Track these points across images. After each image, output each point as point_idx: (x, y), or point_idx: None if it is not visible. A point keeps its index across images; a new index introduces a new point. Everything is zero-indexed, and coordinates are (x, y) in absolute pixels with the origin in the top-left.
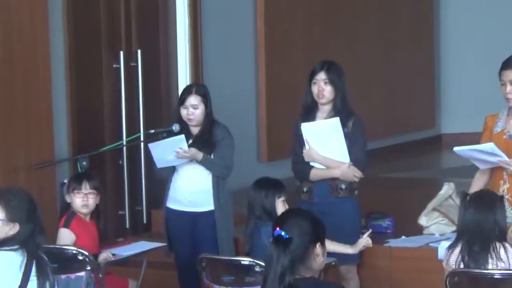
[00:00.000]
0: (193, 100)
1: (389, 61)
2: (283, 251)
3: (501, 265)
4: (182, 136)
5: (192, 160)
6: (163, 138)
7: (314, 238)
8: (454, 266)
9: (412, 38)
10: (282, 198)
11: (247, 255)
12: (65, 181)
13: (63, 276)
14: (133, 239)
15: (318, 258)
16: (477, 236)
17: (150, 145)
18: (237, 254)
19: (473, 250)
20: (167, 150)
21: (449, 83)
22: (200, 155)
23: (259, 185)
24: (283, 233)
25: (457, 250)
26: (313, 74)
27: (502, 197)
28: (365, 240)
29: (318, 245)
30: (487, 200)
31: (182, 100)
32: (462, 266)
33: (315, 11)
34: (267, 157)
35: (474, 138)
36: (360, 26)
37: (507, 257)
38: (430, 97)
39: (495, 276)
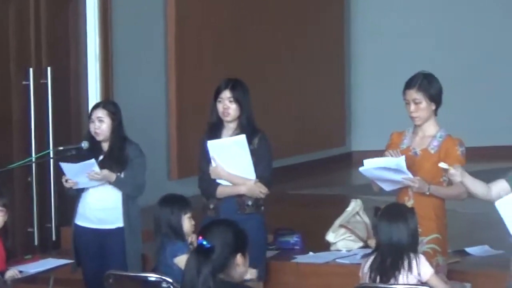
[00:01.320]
0: (99, 113)
1: (300, 79)
2: (204, 260)
3: (411, 277)
4: (93, 160)
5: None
6: (72, 154)
7: (235, 248)
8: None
9: (323, 57)
10: (188, 215)
11: (154, 271)
12: None
13: None
14: (42, 256)
15: (239, 268)
16: (390, 248)
17: (62, 165)
18: (145, 271)
19: (385, 263)
20: (79, 173)
21: (359, 101)
22: (113, 176)
23: (165, 202)
24: (205, 242)
25: (370, 261)
26: (218, 92)
27: (413, 208)
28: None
29: (239, 255)
30: (399, 212)
31: (90, 115)
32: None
33: (226, 30)
34: (177, 174)
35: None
36: (271, 44)
37: (418, 269)
38: (341, 115)
39: None
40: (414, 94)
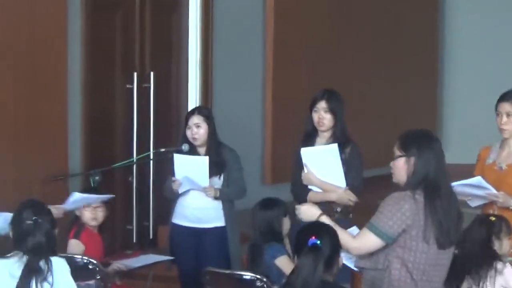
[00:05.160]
0: (196, 119)
1: (393, 91)
2: (318, 259)
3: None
4: (207, 158)
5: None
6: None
7: (338, 248)
8: None
9: (415, 69)
10: (287, 217)
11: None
12: None
13: None
14: (141, 252)
15: (340, 265)
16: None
17: (175, 156)
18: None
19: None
20: (188, 167)
21: (451, 114)
22: (217, 193)
23: (267, 205)
24: (318, 242)
25: None
26: (314, 102)
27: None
28: None
29: (341, 255)
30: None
31: (186, 121)
32: None
33: (322, 43)
34: (271, 180)
35: (472, 170)
36: (366, 56)
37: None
38: (432, 127)
39: None
40: (507, 107)
